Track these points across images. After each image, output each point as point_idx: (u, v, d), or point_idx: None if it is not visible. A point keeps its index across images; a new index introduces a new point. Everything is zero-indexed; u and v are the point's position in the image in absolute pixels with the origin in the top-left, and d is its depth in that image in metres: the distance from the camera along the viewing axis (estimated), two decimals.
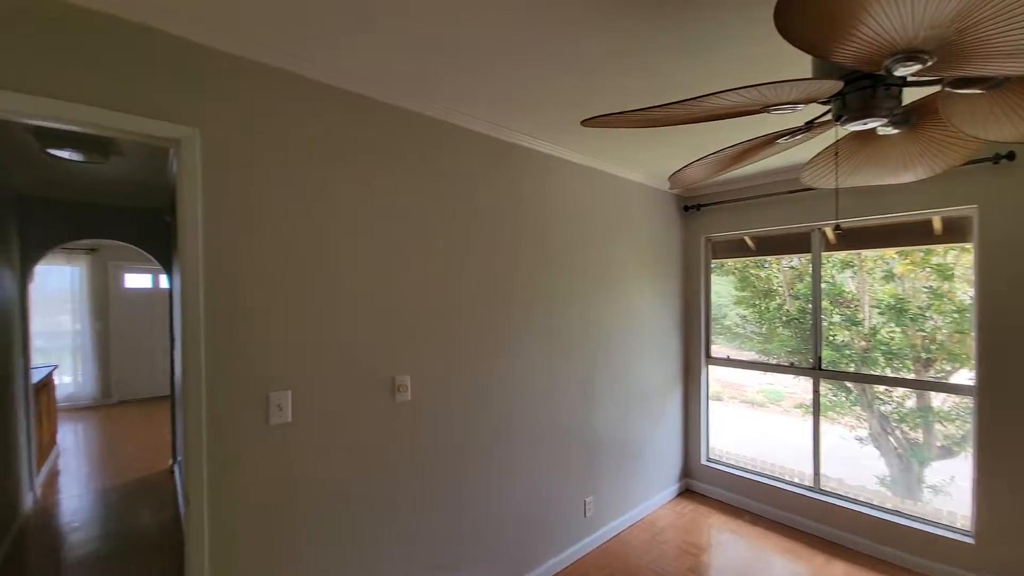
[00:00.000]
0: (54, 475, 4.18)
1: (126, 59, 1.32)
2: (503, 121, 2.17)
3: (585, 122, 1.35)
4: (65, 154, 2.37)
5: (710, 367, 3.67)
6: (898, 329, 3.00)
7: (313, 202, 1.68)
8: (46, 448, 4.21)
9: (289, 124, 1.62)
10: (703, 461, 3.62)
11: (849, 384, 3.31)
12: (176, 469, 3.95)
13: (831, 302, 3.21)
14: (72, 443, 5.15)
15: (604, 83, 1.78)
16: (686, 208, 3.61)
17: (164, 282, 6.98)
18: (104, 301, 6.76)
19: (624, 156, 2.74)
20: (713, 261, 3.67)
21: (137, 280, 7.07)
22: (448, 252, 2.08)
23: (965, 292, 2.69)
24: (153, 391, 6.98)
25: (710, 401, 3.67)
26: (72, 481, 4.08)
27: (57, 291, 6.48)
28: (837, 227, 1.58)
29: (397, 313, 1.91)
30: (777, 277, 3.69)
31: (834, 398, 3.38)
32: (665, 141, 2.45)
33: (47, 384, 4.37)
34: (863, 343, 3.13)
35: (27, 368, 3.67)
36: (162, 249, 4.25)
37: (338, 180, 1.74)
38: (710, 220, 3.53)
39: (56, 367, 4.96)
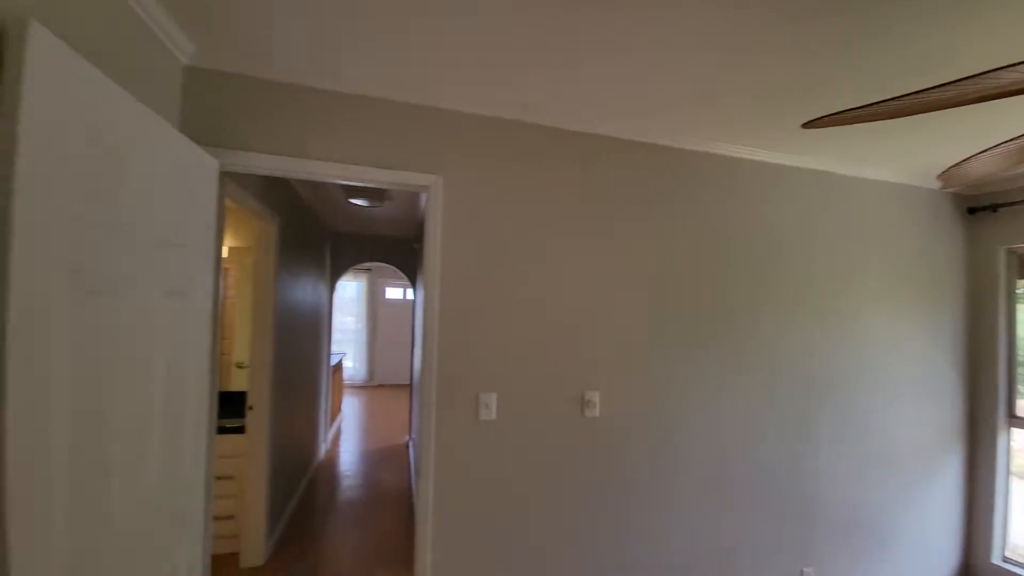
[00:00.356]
0: (338, 434, 5.71)
1: (396, 131, 1.78)
2: (707, 132, 2.06)
3: (808, 124, 1.20)
4: (359, 201, 3.29)
5: (1013, 430, 2.61)
6: None
7: (524, 235, 1.92)
8: (335, 413, 5.80)
9: (510, 165, 1.90)
10: (995, 560, 2.58)
11: None
12: (410, 444, 4.91)
13: None
14: (349, 412, 6.95)
15: (832, 74, 1.53)
16: (971, 210, 2.70)
17: (411, 295, 8.94)
18: (374, 308, 9.16)
19: (863, 152, 2.25)
20: (1020, 282, 2.63)
21: (393, 293, 9.39)
22: (648, 274, 2.07)
23: None
24: (399, 379, 8.98)
25: (1012, 478, 2.61)
26: (348, 440, 5.51)
27: (348, 299, 9.01)
28: None
29: (592, 332, 1.99)
30: None
31: None
32: (930, 127, 1.92)
33: (339, 367, 6.08)
34: None
35: (328, 354, 5.20)
36: (411, 269, 5.49)
37: (546, 214, 1.95)
38: (1015, 224, 2.56)
39: (344, 355, 6.85)
